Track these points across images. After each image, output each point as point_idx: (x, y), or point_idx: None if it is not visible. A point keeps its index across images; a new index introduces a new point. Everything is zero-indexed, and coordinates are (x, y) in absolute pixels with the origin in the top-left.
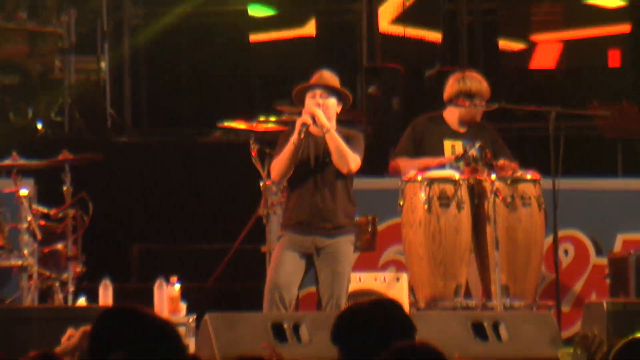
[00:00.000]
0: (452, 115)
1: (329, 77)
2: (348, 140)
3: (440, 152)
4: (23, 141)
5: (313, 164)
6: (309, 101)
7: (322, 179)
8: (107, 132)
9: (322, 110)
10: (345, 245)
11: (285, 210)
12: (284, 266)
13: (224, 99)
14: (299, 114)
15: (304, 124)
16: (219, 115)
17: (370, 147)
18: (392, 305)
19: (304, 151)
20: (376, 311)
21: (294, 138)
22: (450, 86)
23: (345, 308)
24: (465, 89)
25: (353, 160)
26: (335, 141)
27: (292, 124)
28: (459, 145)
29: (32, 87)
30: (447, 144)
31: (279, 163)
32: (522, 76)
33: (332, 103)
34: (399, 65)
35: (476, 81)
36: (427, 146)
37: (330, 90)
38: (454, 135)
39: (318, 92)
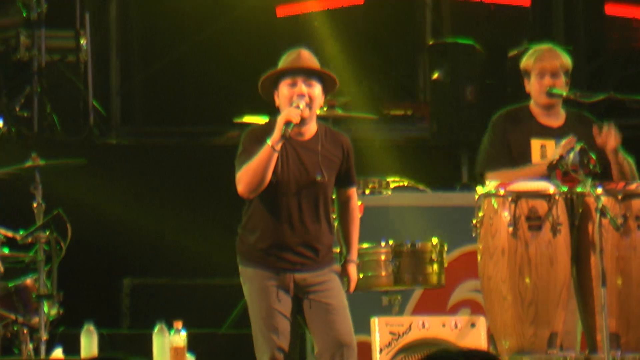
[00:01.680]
0: (534, 106)
1: (309, 57)
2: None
3: (525, 154)
4: None
5: (294, 177)
6: (285, 90)
7: (305, 198)
8: (89, 131)
9: (309, 102)
10: (333, 276)
11: (248, 234)
12: (280, 320)
13: (240, 88)
14: (340, 107)
15: (288, 123)
16: (234, 108)
17: (436, 152)
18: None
19: (296, 158)
20: None
21: (274, 139)
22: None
23: None
24: (523, 68)
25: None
26: None
27: (332, 120)
28: (550, 146)
29: None
30: (535, 144)
31: (250, 172)
32: (638, 56)
33: (318, 93)
34: (474, 42)
35: (548, 55)
36: (512, 147)
37: (314, 75)
38: (544, 131)
39: (299, 79)
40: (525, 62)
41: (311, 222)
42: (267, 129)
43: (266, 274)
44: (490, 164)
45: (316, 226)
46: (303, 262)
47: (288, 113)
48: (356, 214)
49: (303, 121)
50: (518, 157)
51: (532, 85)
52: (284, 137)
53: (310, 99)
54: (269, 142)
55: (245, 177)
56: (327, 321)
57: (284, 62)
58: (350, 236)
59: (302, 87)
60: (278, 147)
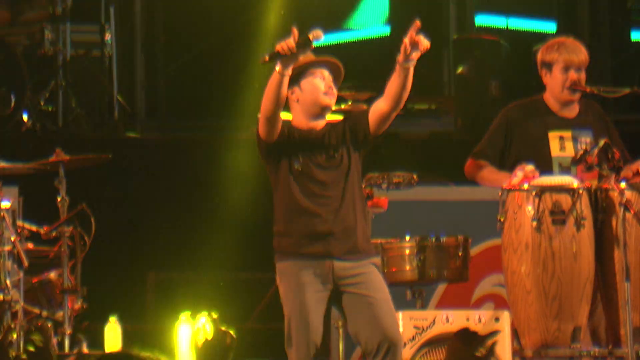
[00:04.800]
0: (549, 98)
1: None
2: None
3: (543, 147)
4: (4, 138)
5: (314, 164)
6: (315, 83)
7: (335, 183)
8: (114, 125)
9: (333, 98)
10: (373, 269)
11: (281, 227)
12: (314, 317)
13: (264, 82)
14: (366, 101)
15: (277, 53)
16: (258, 102)
17: (461, 146)
18: None
19: (305, 144)
20: None
21: (279, 66)
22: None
23: None
24: (545, 59)
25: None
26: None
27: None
28: (568, 137)
29: (15, 66)
30: (553, 136)
31: (263, 104)
32: None
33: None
34: (499, 36)
35: (570, 48)
36: (524, 142)
37: (333, 68)
38: (561, 123)
39: (325, 72)
40: (547, 53)
41: (341, 208)
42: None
43: (304, 264)
44: (482, 154)
45: (348, 212)
46: (341, 248)
47: (280, 44)
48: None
49: (326, 110)
50: (532, 149)
51: (555, 78)
52: (289, 54)
53: (335, 95)
54: (277, 67)
55: (261, 114)
56: (371, 315)
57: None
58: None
59: (330, 82)
60: (287, 72)
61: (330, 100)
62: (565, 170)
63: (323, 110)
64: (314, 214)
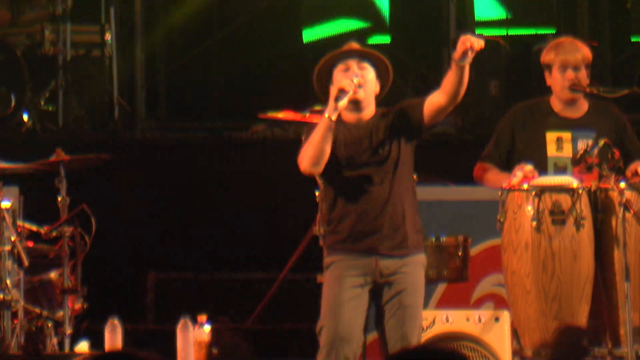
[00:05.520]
0: (554, 99)
1: (360, 45)
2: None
3: (540, 148)
4: (4, 138)
5: (366, 157)
6: (339, 77)
7: (381, 178)
8: (114, 125)
9: (362, 83)
10: (418, 270)
11: (329, 225)
12: (345, 310)
13: (267, 82)
14: None
15: (342, 91)
16: (260, 103)
17: (461, 146)
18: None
19: (350, 139)
20: None
21: (329, 109)
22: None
23: (393, 354)
24: (544, 61)
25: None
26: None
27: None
28: (567, 138)
29: (15, 66)
30: (551, 137)
31: (310, 146)
32: None
33: (372, 77)
34: (498, 36)
35: (568, 47)
36: (523, 143)
37: (368, 59)
38: (561, 124)
39: (352, 62)
40: (546, 55)
41: (388, 203)
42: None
43: (349, 259)
44: (488, 157)
45: (395, 207)
46: (387, 244)
47: (341, 82)
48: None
49: (358, 104)
50: (532, 150)
51: (554, 79)
52: (338, 100)
53: (364, 80)
54: (326, 114)
55: (305, 151)
56: (397, 317)
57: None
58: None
59: (355, 68)
60: (334, 116)
61: (354, 93)
62: (560, 170)
63: (353, 104)
64: (360, 211)
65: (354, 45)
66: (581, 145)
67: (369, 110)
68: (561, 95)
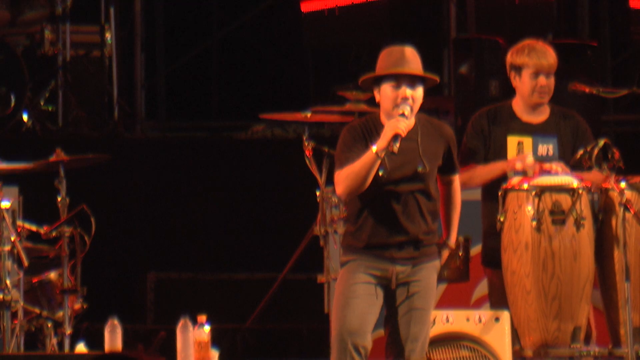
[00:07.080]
0: (518, 102)
1: (413, 58)
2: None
3: (502, 153)
4: (4, 138)
5: (395, 170)
6: (388, 91)
7: (408, 190)
8: (114, 125)
9: (412, 105)
10: (432, 275)
11: (351, 227)
12: (357, 303)
13: (267, 82)
14: (368, 101)
15: (397, 136)
16: (260, 103)
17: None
18: None
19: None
20: None
21: (379, 147)
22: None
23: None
24: (515, 62)
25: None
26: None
27: (358, 114)
28: (528, 143)
29: (15, 66)
30: (512, 141)
31: (352, 176)
32: None
33: (421, 94)
34: (499, 36)
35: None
36: (487, 148)
37: (418, 78)
38: (523, 128)
39: (403, 81)
40: (517, 57)
41: (415, 214)
42: (368, 126)
43: (366, 261)
44: (464, 159)
45: (420, 219)
46: (406, 255)
47: (396, 126)
48: (457, 199)
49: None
50: (495, 155)
51: (524, 83)
52: (391, 146)
53: (414, 101)
54: (374, 149)
55: (346, 180)
56: (407, 318)
57: (386, 60)
58: (448, 220)
59: (406, 90)
60: (382, 154)
61: (403, 112)
62: (519, 175)
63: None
64: (383, 217)
65: (408, 55)
66: (541, 150)
67: (412, 119)
68: (529, 99)
